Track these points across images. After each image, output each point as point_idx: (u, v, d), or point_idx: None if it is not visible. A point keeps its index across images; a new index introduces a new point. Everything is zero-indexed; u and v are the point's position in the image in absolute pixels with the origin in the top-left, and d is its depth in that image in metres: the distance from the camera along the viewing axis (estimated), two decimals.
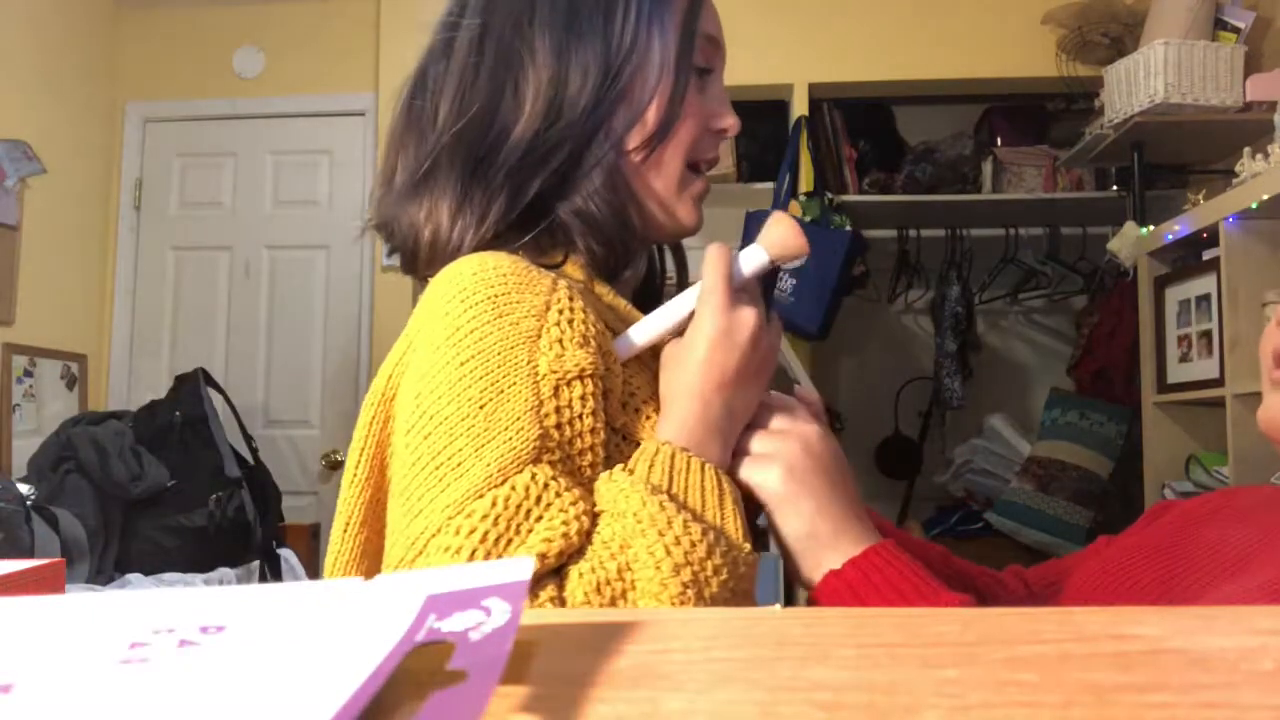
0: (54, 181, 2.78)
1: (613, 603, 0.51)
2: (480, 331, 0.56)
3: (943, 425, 3.08)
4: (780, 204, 2.64)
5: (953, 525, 2.78)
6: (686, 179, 0.71)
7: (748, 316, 0.61)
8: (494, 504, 0.52)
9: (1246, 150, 1.90)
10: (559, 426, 0.56)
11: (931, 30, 2.77)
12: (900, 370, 3.15)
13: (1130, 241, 2.24)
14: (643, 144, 0.68)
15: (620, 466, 0.57)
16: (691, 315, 0.63)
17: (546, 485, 0.54)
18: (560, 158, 0.66)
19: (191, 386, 2.54)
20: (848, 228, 2.68)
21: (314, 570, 2.68)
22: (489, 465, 0.53)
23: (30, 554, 1.98)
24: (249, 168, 3.13)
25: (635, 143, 0.68)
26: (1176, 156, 2.49)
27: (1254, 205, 1.78)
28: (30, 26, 2.75)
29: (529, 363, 0.56)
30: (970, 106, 3.05)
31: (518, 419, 0.55)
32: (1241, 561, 0.63)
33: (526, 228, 0.66)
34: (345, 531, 0.60)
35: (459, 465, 0.53)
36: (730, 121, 0.72)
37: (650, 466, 0.57)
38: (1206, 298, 1.97)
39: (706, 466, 0.58)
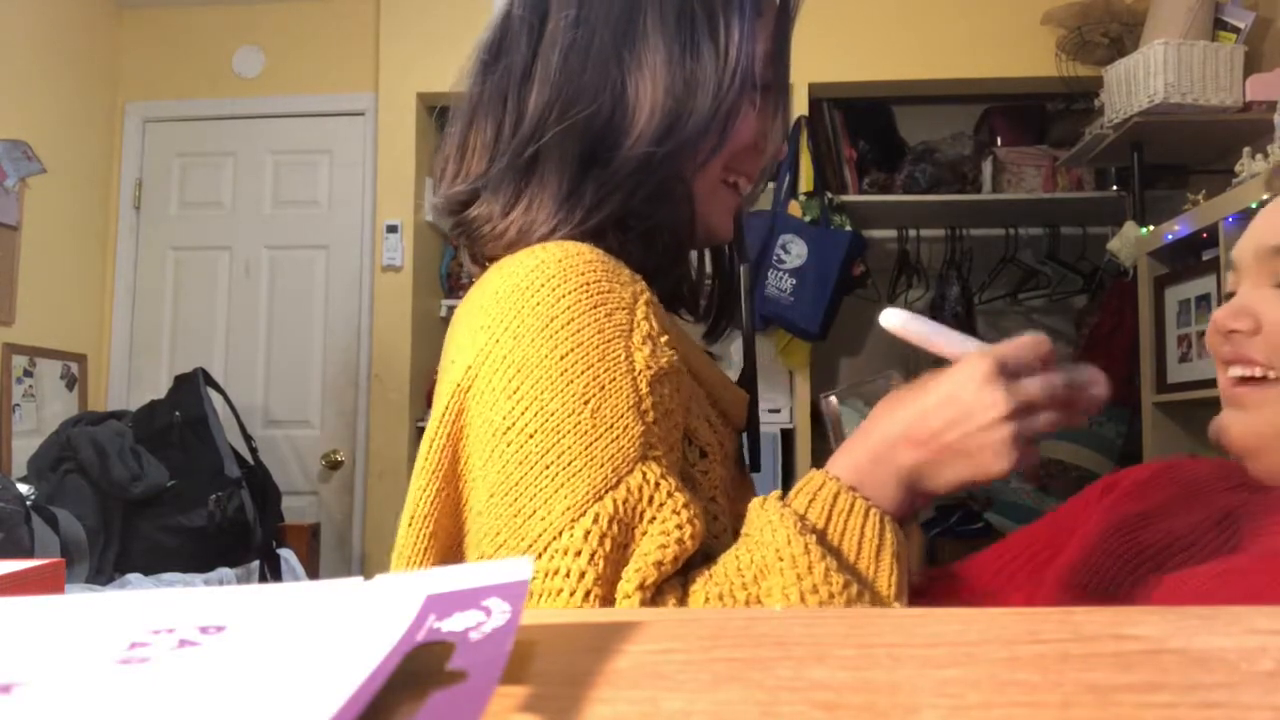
0: (54, 181, 2.78)
1: None
2: (577, 323, 0.55)
3: None
4: (780, 204, 2.64)
5: (952, 525, 2.78)
6: (723, 191, 0.72)
7: (996, 403, 0.54)
8: (613, 506, 0.51)
9: (1246, 150, 1.90)
10: (656, 422, 0.55)
11: (931, 30, 2.76)
12: (900, 370, 3.14)
13: (1130, 241, 2.24)
14: (734, 166, 0.69)
15: (776, 493, 0.56)
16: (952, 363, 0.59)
17: (657, 485, 0.53)
18: (668, 172, 0.65)
19: (191, 386, 2.54)
20: (848, 228, 2.68)
21: (314, 570, 2.69)
22: (603, 466, 0.52)
23: (30, 554, 1.98)
24: (249, 168, 3.13)
25: (719, 163, 0.69)
26: (1176, 156, 2.49)
27: (1254, 205, 1.78)
28: (30, 26, 2.75)
29: (626, 358, 0.55)
30: (970, 106, 3.05)
31: (622, 416, 0.54)
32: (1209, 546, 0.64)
33: (605, 230, 0.65)
34: (410, 525, 0.57)
35: (569, 465, 0.52)
36: (769, 143, 0.72)
37: (810, 500, 0.55)
38: (1206, 298, 1.97)
39: (872, 512, 0.54)
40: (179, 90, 3.15)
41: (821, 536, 0.53)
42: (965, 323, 2.96)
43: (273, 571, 2.42)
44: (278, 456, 2.94)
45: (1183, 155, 2.48)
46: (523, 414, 0.54)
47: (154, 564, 2.22)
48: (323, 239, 3.10)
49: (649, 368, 0.56)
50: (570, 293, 0.56)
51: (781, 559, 0.51)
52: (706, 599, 0.51)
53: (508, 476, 0.53)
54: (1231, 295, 0.67)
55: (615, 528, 0.51)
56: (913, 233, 3.04)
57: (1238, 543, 0.64)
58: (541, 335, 0.55)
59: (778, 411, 2.73)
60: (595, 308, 0.56)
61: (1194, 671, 0.21)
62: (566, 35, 0.65)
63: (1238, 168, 1.91)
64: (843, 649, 0.23)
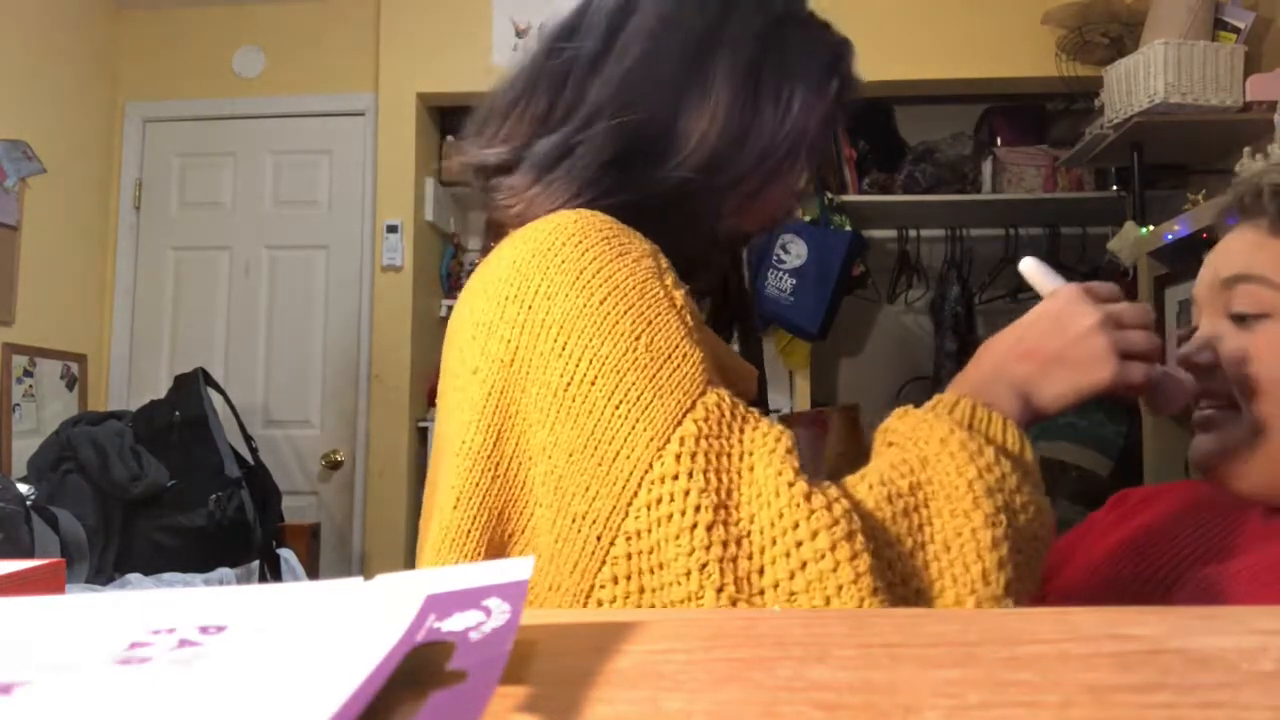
0: (54, 181, 2.78)
1: (906, 514, 0.51)
2: (607, 271, 0.55)
3: None
4: None
5: None
6: (735, 241, 0.74)
7: (1086, 313, 0.59)
8: (696, 427, 0.51)
9: (1246, 150, 1.90)
10: (706, 357, 0.56)
11: (931, 30, 2.76)
12: (900, 370, 3.15)
13: (1130, 241, 2.24)
14: (752, 228, 0.72)
15: (911, 405, 0.57)
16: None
17: (734, 404, 0.53)
18: (699, 207, 0.67)
19: (191, 386, 2.54)
20: (848, 228, 2.68)
21: (314, 570, 2.69)
22: (673, 393, 0.52)
23: (30, 554, 1.98)
24: (249, 168, 3.13)
25: (749, 219, 0.71)
26: (1176, 156, 2.48)
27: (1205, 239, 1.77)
28: (30, 26, 2.75)
29: (666, 295, 0.56)
30: (970, 106, 3.05)
31: (678, 346, 0.54)
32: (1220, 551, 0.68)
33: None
34: (457, 507, 0.56)
35: (639, 400, 0.52)
36: (795, 212, 0.74)
37: (951, 410, 0.56)
38: None
39: (1009, 422, 0.56)
40: (179, 90, 3.15)
41: (975, 430, 0.54)
42: (965, 323, 2.97)
43: (273, 571, 2.42)
44: (278, 456, 2.94)
45: (1183, 155, 2.48)
46: (577, 366, 0.53)
47: (154, 564, 2.22)
48: (323, 239, 3.10)
49: (687, 306, 0.57)
50: (593, 246, 0.56)
51: (947, 445, 0.52)
52: (870, 485, 0.51)
53: (581, 429, 0.53)
54: (1195, 329, 0.72)
55: (705, 444, 0.51)
56: (913, 233, 3.04)
57: (1231, 551, 0.67)
58: (574, 288, 0.55)
59: (778, 412, 2.73)
60: (621, 256, 0.56)
61: (1194, 671, 0.21)
62: (641, 45, 0.66)
63: (1238, 168, 1.91)
64: (843, 649, 0.23)
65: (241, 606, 0.25)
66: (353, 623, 0.23)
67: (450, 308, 3.08)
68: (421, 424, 2.94)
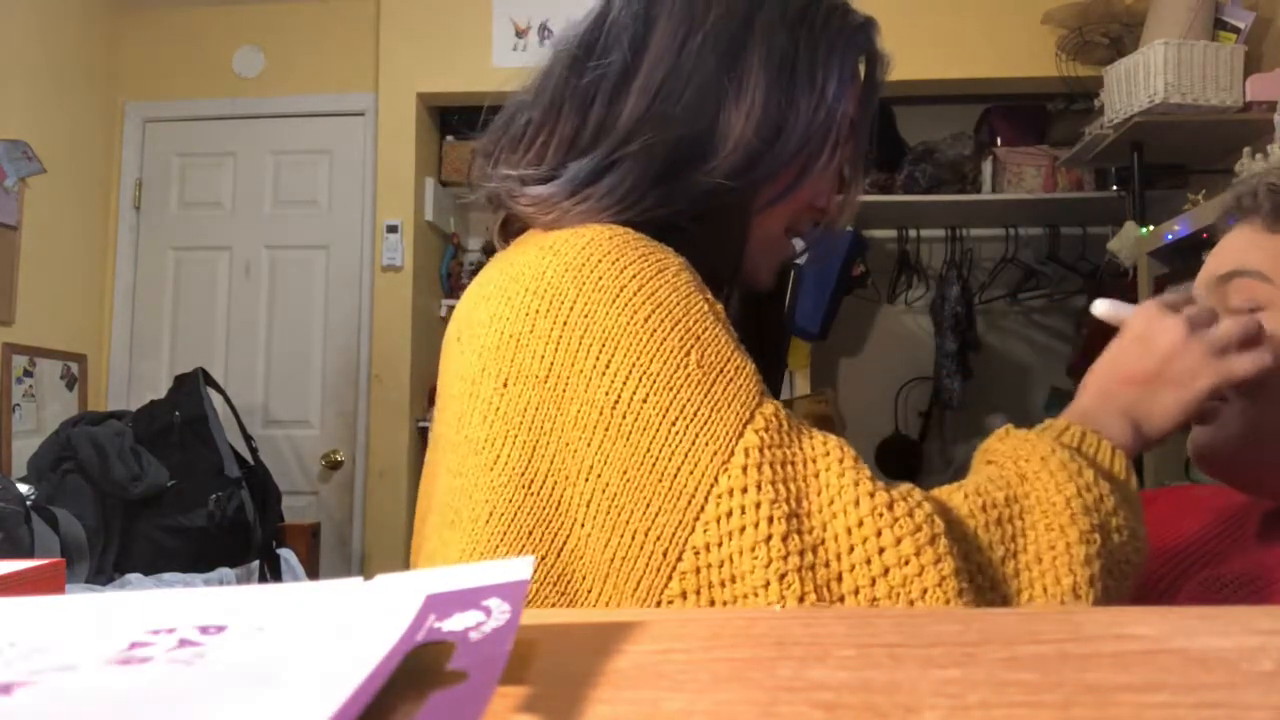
0: (54, 181, 2.78)
1: (999, 524, 0.52)
2: (649, 288, 0.55)
3: (943, 425, 3.08)
4: None
5: None
6: (782, 243, 0.72)
7: (1169, 327, 0.60)
8: (758, 438, 0.51)
9: (1246, 150, 1.90)
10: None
11: (931, 30, 2.76)
12: (900, 370, 3.15)
13: (1130, 241, 2.24)
14: (797, 220, 0.71)
15: (1011, 426, 0.58)
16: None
17: (789, 416, 0.53)
18: (732, 204, 0.66)
19: (191, 386, 2.54)
20: (848, 228, 2.68)
21: (314, 570, 2.69)
22: (730, 406, 0.52)
23: (30, 554, 1.98)
24: (249, 168, 3.13)
25: (788, 212, 0.70)
26: (1176, 156, 2.49)
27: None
28: (30, 26, 2.75)
29: (710, 308, 0.55)
30: (970, 106, 3.05)
31: (729, 359, 0.53)
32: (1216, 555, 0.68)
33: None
34: (489, 522, 0.55)
35: (696, 415, 0.51)
36: (833, 207, 0.72)
37: (1059, 434, 0.56)
38: None
39: (1117, 452, 0.56)
40: (179, 90, 3.15)
41: (1079, 452, 0.55)
42: (965, 322, 2.97)
43: (273, 571, 2.42)
44: (278, 456, 2.94)
45: (1183, 155, 2.48)
46: (624, 385, 0.52)
47: (154, 564, 2.22)
48: (323, 239, 3.10)
49: (730, 320, 0.56)
50: (632, 263, 0.55)
51: (1047, 463, 0.53)
52: (965, 495, 0.52)
53: (635, 447, 0.52)
54: None
55: (769, 454, 0.50)
56: (913, 233, 3.04)
57: (1230, 554, 0.67)
58: (616, 305, 0.54)
59: None
60: (661, 272, 0.55)
61: (1194, 671, 0.21)
62: (672, 53, 0.65)
63: (1238, 168, 1.91)
64: (843, 649, 0.23)
65: (241, 606, 0.25)
66: (353, 623, 0.23)
67: (450, 308, 3.08)
68: (422, 424, 2.94)
